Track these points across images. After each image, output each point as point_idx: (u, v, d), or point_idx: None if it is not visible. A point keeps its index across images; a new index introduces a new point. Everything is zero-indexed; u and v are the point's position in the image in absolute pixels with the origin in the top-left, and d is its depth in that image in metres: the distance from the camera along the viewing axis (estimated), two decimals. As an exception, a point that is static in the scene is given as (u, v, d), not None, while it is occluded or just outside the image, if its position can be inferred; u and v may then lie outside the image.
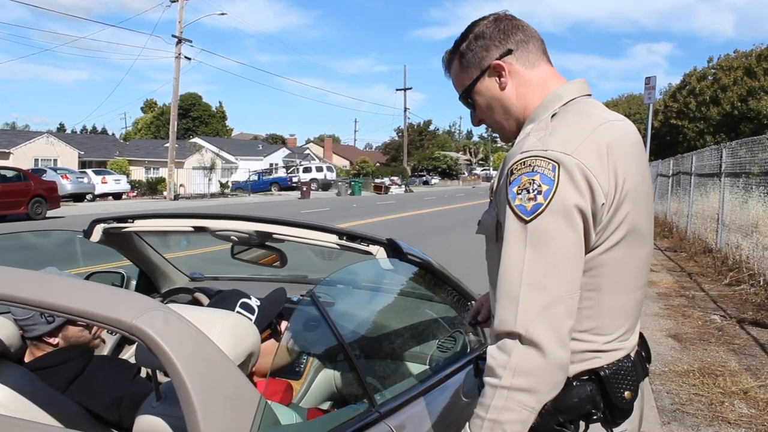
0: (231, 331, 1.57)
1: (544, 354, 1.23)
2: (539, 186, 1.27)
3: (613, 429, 1.40)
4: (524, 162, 1.30)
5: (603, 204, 1.30)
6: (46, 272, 1.98)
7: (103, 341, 2.96)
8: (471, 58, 1.50)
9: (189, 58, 34.37)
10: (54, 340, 2.17)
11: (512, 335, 1.25)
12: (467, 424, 1.30)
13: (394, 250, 2.25)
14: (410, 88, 66.96)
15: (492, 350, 1.28)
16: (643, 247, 1.43)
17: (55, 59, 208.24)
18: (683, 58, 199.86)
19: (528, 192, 1.27)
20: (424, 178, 70.69)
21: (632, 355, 1.45)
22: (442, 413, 1.96)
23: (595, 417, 1.38)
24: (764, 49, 32.36)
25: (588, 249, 1.32)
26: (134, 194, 36.69)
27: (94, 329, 2.29)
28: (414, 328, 2.66)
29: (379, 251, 2.26)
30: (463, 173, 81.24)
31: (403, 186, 53.60)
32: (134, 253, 3.15)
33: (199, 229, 2.65)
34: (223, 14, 35.29)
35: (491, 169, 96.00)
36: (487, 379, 1.27)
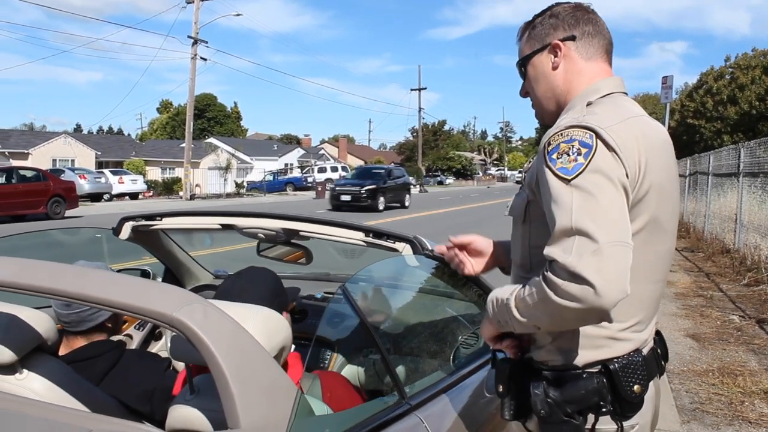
0: (264, 325, 1.61)
1: (593, 292, 1.22)
2: (579, 149, 1.32)
3: (623, 422, 1.43)
4: (561, 133, 1.37)
5: (629, 181, 1.35)
6: (80, 266, 2.03)
7: (131, 337, 3.02)
8: (539, 31, 1.58)
9: (205, 59, 34.58)
10: (109, 324, 2.25)
11: (565, 271, 1.24)
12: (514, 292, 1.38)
13: (420, 247, 2.28)
14: (425, 88, 66.84)
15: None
16: (663, 242, 1.47)
17: (71, 60, 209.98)
18: (698, 57, 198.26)
19: (568, 155, 1.33)
20: (439, 178, 70.56)
21: (644, 350, 1.48)
22: (466, 408, 2.00)
23: (603, 409, 1.41)
24: (783, 48, 32.17)
25: None
26: (150, 194, 36.93)
27: None
28: (438, 324, 2.69)
29: (405, 248, 2.29)
30: (478, 173, 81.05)
31: (418, 186, 53.54)
32: (161, 251, 3.21)
33: (226, 227, 2.70)
34: (238, 15, 35.44)
35: (506, 169, 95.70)
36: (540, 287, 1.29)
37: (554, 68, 1.56)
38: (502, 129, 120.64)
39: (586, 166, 1.30)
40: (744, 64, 33.07)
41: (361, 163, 72.36)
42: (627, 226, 1.29)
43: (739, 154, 12.04)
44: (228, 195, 39.35)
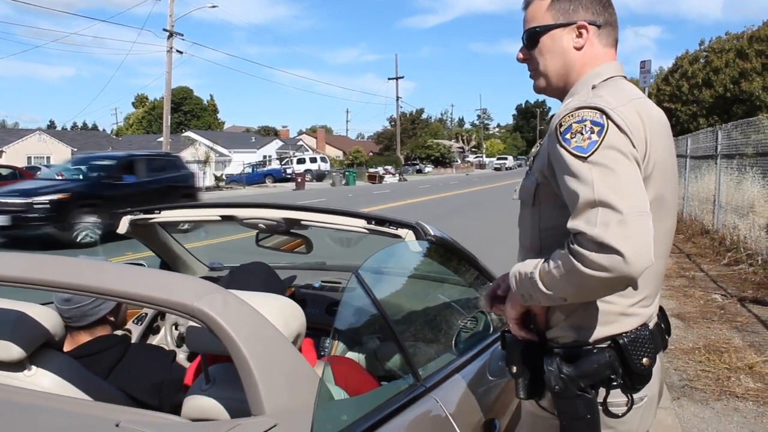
0: (280, 313, 1.63)
1: (622, 260, 1.25)
2: (591, 127, 1.36)
3: (633, 395, 1.49)
4: (571, 114, 1.40)
5: (638, 157, 1.39)
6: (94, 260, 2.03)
7: (129, 332, 3.02)
8: (565, 6, 1.58)
9: (181, 52, 34.26)
10: (112, 318, 2.25)
11: (592, 242, 1.27)
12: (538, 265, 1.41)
13: (422, 232, 2.31)
14: (402, 77, 66.92)
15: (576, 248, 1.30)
16: (667, 219, 1.53)
17: (42, 56, 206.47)
18: (672, 41, 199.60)
19: (582, 134, 1.36)
20: (418, 167, 70.46)
21: (651, 324, 1.53)
22: (476, 388, 2.04)
23: (614, 383, 1.47)
24: (755, 31, 32.35)
25: None
26: (128, 189, 36.42)
27: None
28: (442, 309, 2.73)
29: (408, 234, 2.32)
30: (456, 161, 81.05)
31: (397, 175, 53.49)
32: (157, 244, 3.20)
33: (226, 218, 2.70)
34: (214, 7, 35.07)
35: (484, 156, 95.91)
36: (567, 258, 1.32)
37: (577, 48, 1.58)
38: (479, 116, 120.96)
39: (601, 142, 1.34)
40: (718, 47, 33.35)
41: (340, 153, 72.09)
42: (645, 197, 1.33)
43: (716, 137, 12.21)
44: (207, 188, 38.98)
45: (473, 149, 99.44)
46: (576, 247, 1.29)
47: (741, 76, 31.23)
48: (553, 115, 1.57)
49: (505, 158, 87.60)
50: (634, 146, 1.37)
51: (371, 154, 73.08)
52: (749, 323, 6.16)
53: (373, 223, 2.40)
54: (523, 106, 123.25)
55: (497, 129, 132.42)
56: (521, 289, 1.46)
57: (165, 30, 33.36)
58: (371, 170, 52.64)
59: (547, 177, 1.49)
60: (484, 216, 18.09)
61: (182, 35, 34.14)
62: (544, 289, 1.39)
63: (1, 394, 1.55)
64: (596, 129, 1.35)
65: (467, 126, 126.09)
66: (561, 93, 1.62)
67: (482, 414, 1.97)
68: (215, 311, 1.41)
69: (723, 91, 31.68)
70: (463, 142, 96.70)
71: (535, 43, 1.61)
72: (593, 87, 1.51)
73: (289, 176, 45.78)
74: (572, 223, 1.32)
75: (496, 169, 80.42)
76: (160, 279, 1.57)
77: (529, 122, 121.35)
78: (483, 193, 30.55)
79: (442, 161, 76.81)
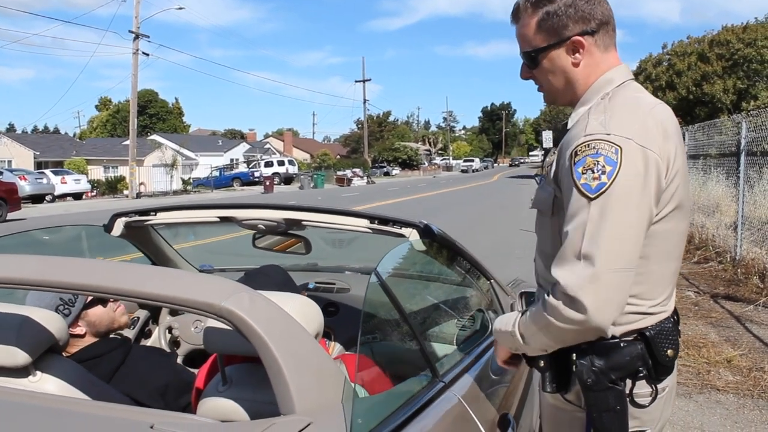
0: (300, 311, 1.62)
1: (586, 316, 1.35)
2: (603, 167, 1.37)
3: (657, 385, 1.52)
4: (588, 144, 1.40)
5: (662, 182, 1.42)
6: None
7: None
8: (554, 23, 1.52)
9: (147, 54, 33.80)
10: (79, 330, 2.19)
11: (565, 295, 1.37)
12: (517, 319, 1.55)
13: (427, 232, 2.31)
14: (369, 80, 67.02)
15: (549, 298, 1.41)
16: (685, 220, 1.56)
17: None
18: (633, 44, 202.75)
19: (593, 172, 1.37)
20: (385, 170, 70.49)
21: (671, 318, 1.57)
22: (485, 386, 2.05)
23: (641, 374, 1.50)
24: (715, 35, 33.18)
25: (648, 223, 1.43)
26: (94, 194, 35.86)
27: (112, 305, 2.27)
28: (445, 306, 2.74)
29: (411, 233, 2.31)
30: (423, 163, 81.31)
31: (365, 177, 53.47)
32: (150, 247, 3.15)
33: (225, 220, 2.67)
34: (181, 8, 34.72)
35: (451, 158, 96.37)
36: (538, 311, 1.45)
37: (575, 65, 1.54)
38: (445, 119, 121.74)
39: (609, 186, 1.36)
40: (680, 51, 34.08)
41: (307, 156, 71.70)
42: (634, 251, 1.39)
43: (683, 138, 12.47)
44: (175, 192, 38.59)
45: (440, 151, 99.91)
46: (551, 299, 1.39)
47: (703, 79, 31.96)
48: (565, 124, 1.57)
49: (472, 160, 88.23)
50: (657, 168, 1.39)
51: (339, 156, 72.93)
52: (723, 319, 6.31)
53: (377, 222, 2.38)
54: (489, 108, 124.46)
55: (463, 131, 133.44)
56: (506, 343, 1.61)
57: (131, 32, 32.92)
58: (339, 173, 52.53)
59: (562, 190, 1.50)
60: (458, 216, 18.19)
61: (148, 37, 33.73)
62: (525, 344, 1.53)
63: (26, 399, 1.51)
64: (608, 169, 1.36)
65: (434, 128, 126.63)
66: (572, 102, 1.60)
67: (496, 409, 1.99)
68: (243, 310, 1.39)
69: (686, 93, 32.37)
70: (430, 145, 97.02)
71: (535, 64, 1.59)
72: (608, 96, 1.50)
73: (257, 179, 45.45)
74: (554, 271, 1.40)
75: (463, 171, 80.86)
76: (183, 279, 1.55)
77: (494, 124, 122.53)
78: (453, 195, 30.70)
79: (409, 164, 77.00)
